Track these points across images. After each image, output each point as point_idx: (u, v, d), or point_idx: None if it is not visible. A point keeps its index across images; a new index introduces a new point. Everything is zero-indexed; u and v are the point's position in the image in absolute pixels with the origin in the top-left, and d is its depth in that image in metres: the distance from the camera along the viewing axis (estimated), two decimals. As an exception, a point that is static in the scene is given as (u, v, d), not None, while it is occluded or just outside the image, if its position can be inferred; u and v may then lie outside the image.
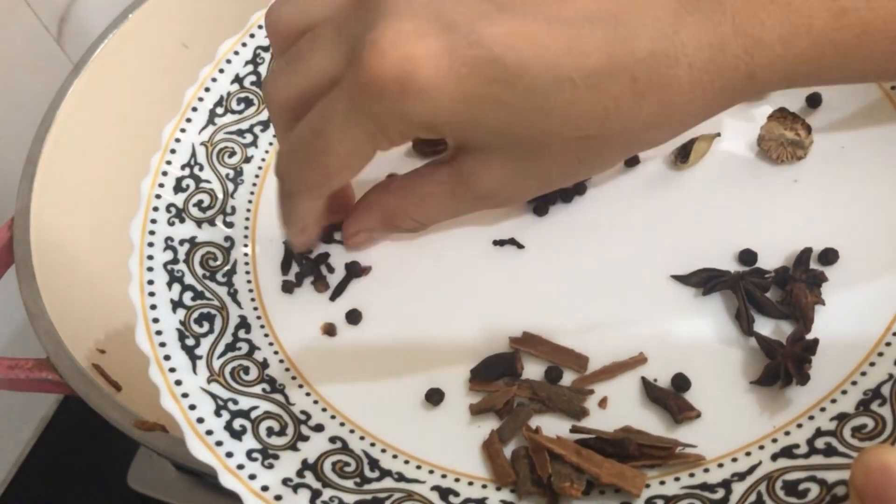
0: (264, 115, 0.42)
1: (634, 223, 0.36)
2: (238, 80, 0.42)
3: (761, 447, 0.29)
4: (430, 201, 0.32)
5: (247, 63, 0.42)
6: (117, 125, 0.54)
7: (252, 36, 0.43)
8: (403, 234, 0.35)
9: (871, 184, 0.35)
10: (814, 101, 0.38)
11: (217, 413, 0.31)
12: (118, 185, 0.50)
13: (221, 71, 0.42)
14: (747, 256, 0.34)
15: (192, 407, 0.31)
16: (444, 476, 0.30)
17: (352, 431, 0.32)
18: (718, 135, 0.37)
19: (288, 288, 0.36)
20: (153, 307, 0.34)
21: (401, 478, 0.30)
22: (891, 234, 0.33)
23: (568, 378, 0.32)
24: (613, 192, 0.37)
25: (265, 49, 0.43)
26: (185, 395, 0.31)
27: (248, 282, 0.37)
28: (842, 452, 0.28)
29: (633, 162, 0.38)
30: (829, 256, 0.33)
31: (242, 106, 0.42)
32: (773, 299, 0.32)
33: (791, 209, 0.35)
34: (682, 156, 0.37)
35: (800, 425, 0.29)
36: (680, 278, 0.34)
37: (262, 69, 0.43)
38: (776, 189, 0.36)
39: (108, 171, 0.53)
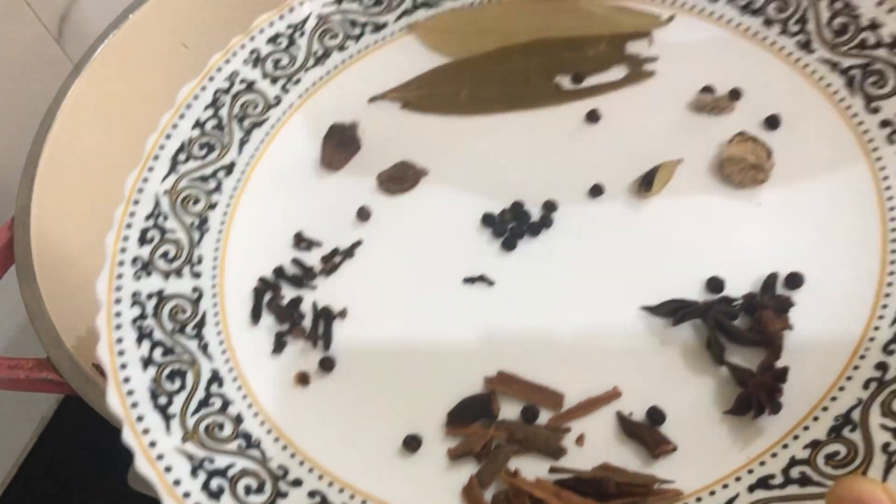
0: (227, 160, 0.41)
1: (603, 255, 0.36)
2: (199, 124, 0.42)
3: (738, 479, 0.29)
4: None
5: (207, 107, 0.42)
6: (117, 125, 0.53)
7: (211, 79, 0.43)
8: None
9: (834, 204, 0.35)
10: (773, 123, 0.38)
11: (193, 473, 0.31)
12: (118, 185, 0.49)
13: (182, 116, 0.41)
14: (715, 283, 0.34)
15: (168, 469, 0.31)
16: None
17: (330, 484, 0.31)
18: (681, 161, 0.38)
19: (279, 348, 0.36)
20: (123, 366, 0.34)
21: None
22: (854, 253, 0.34)
23: (544, 416, 0.32)
24: (580, 223, 0.37)
25: (225, 91, 0.43)
26: (160, 458, 0.31)
27: (219, 333, 0.36)
28: (816, 481, 0.28)
29: (597, 192, 0.38)
30: (794, 280, 0.33)
31: (205, 151, 0.41)
32: (742, 326, 0.32)
33: (756, 233, 0.35)
34: (646, 184, 0.37)
35: (774, 454, 0.29)
36: (650, 309, 0.34)
37: (223, 112, 0.42)
38: (741, 213, 0.36)
39: (108, 171, 0.51)
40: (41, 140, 0.49)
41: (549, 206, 0.38)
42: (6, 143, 0.59)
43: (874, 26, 0.38)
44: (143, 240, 0.38)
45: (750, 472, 0.29)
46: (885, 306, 0.32)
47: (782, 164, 0.37)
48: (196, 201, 0.40)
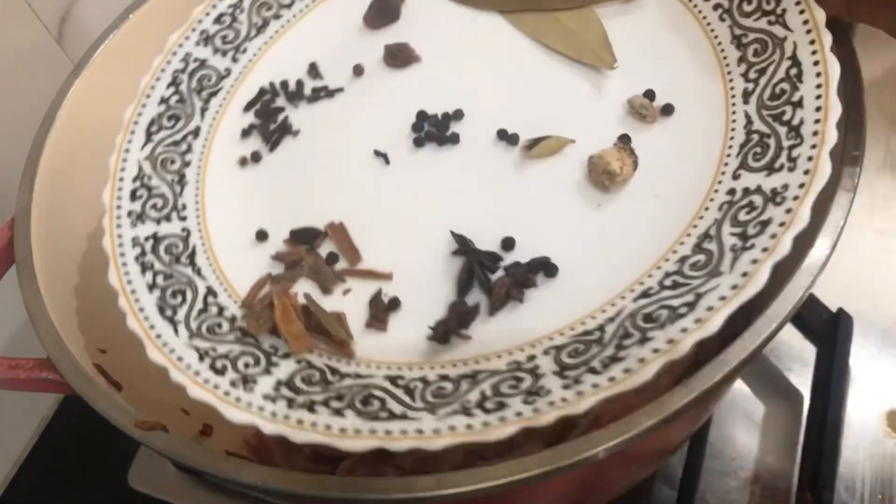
0: (192, 126, 0.50)
1: (466, 180, 0.44)
2: (164, 101, 0.50)
3: (623, 297, 0.37)
4: None
5: (168, 86, 0.51)
6: (118, 125, 0.52)
7: (168, 62, 0.51)
8: None
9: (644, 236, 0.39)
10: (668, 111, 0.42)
11: (201, 359, 0.39)
12: None
13: (148, 96, 0.50)
14: (507, 243, 0.40)
15: (180, 358, 0.39)
16: (388, 367, 0.38)
17: (311, 351, 0.39)
18: (573, 141, 0.43)
19: (246, 134, 0.48)
20: (133, 292, 0.42)
21: (357, 376, 0.38)
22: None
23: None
24: (473, 153, 0.45)
25: (181, 71, 0.51)
26: (171, 351, 0.39)
27: (207, 258, 0.44)
28: (683, 283, 0.35)
29: (502, 136, 0.44)
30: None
31: (173, 122, 0.50)
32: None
33: (578, 221, 0.40)
34: (532, 145, 0.43)
35: (650, 275, 0.37)
36: (454, 234, 0.41)
37: (183, 88, 0.51)
38: (576, 205, 0.41)
39: (108, 172, 0.52)
40: (41, 140, 0.50)
41: (454, 137, 0.45)
42: (6, 144, 0.61)
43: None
44: (133, 196, 0.46)
45: (632, 290, 0.37)
46: (731, 147, 0.39)
47: (641, 182, 0.41)
48: (172, 162, 0.48)
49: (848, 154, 0.37)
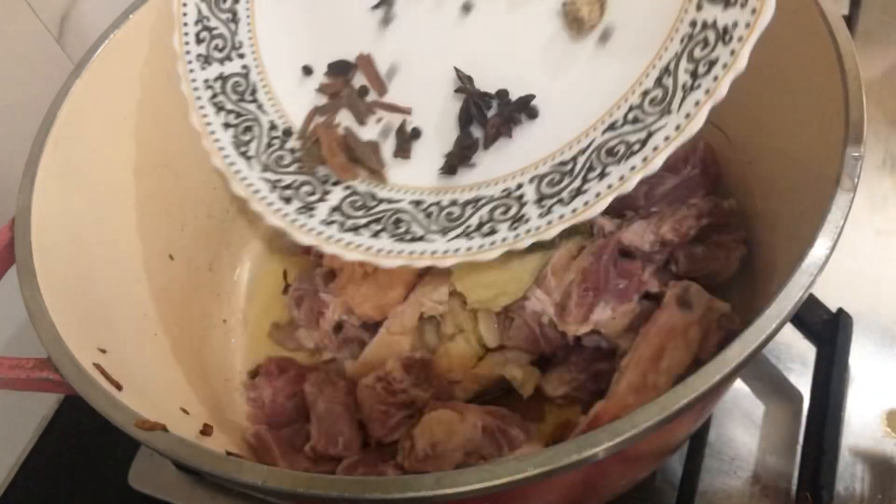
0: None
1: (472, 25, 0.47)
2: None
3: (594, 128, 0.40)
4: None
5: None
6: (118, 125, 0.55)
7: None
8: None
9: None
10: None
11: (272, 190, 0.45)
12: (119, 184, 0.53)
13: None
14: (502, 93, 0.44)
15: (257, 191, 0.45)
16: (412, 192, 0.43)
17: (354, 178, 0.45)
18: None
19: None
20: (212, 132, 0.47)
21: (390, 201, 0.44)
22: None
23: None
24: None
25: None
26: (249, 184, 0.45)
27: (267, 93, 0.49)
28: (640, 119, 0.38)
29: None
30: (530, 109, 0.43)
31: None
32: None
33: (553, 64, 0.44)
34: None
35: (619, 107, 0.40)
36: (457, 70, 0.45)
37: None
38: (558, 46, 0.44)
39: (108, 171, 0.54)
40: (41, 140, 0.50)
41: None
42: (6, 143, 0.62)
43: None
44: (198, 40, 0.50)
45: (603, 122, 0.40)
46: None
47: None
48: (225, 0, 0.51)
49: (848, 154, 0.37)
